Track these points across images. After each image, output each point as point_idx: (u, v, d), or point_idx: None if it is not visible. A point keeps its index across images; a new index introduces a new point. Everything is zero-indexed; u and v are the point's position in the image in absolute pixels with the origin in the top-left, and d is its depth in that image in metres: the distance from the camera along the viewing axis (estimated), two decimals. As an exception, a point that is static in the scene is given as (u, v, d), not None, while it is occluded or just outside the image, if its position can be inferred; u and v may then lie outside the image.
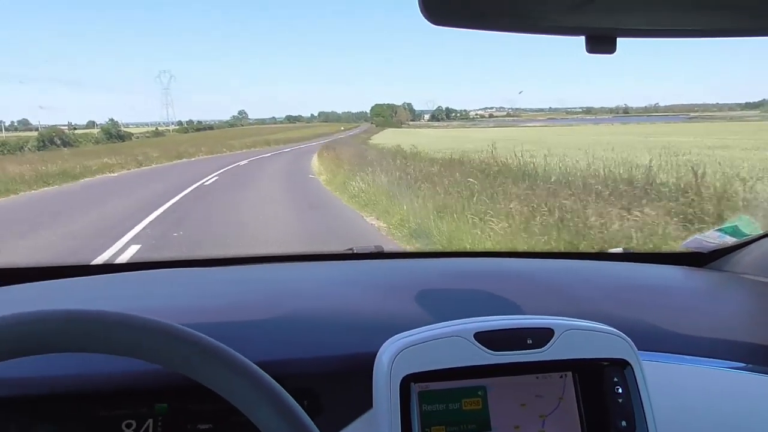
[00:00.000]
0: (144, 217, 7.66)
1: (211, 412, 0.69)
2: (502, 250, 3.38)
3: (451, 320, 0.70)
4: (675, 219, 5.53)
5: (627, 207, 5.86)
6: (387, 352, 0.66)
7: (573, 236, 5.16)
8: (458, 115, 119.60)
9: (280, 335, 0.78)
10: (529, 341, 0.67)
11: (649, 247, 4.69)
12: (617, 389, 0.68)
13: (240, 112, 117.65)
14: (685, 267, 1.20)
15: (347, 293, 0.97)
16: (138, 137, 47.33)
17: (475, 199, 7.06)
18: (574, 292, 1.01)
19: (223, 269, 1.15)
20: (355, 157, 15.06)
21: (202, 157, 25.22)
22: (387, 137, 33.42)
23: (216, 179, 13.61)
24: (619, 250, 1.41)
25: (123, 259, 4.85)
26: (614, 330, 0.70)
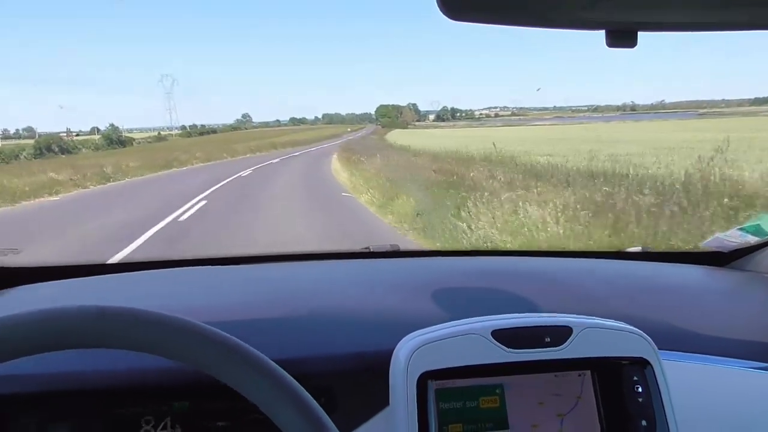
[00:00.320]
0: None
1: (229, 409, 0.69)
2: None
3: (468, 318, 0.69)
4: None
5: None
6: (404, 349, 0.66)
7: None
8: (463, 115, 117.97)
9: (298, 333, 0.78)
10: (547, 339, 0.67)
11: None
12: (637, 388, 0.68)
13: (244, 116, 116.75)
14: (705, 266, 1.19)
15: (364, 291, 0.97)
16: (140, 142, 45.94)
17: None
18: (593, 291, 1.01)
19: (240, 268, 1.15)
20: (392, 165, 12.17)
21: (197, 165, 21.52)
22: (404, 138, 31.14)
23: (201, 206, 8.99)
24: (638, 249, 1.37)
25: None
26: (634, 329, 0.70)
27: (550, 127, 47.33)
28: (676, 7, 0.49)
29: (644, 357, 0.69)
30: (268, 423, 0.47)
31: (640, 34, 0.51)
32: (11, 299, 0.92)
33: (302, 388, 0.48)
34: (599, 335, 0.69)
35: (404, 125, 78.63)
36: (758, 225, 1.26)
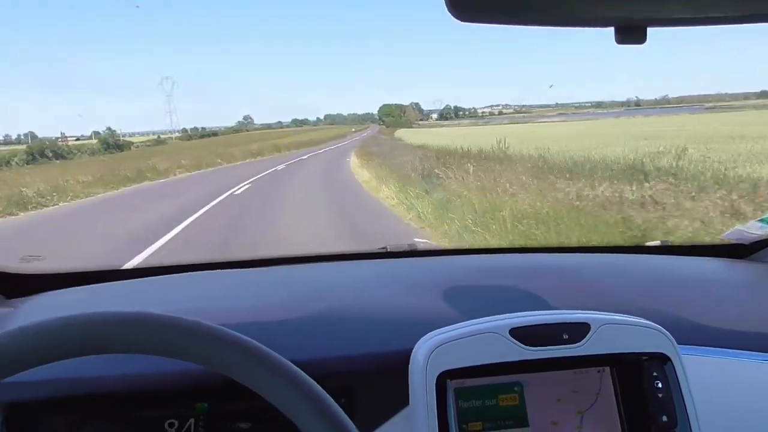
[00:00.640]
0: None
1: (250, 410, 0.70)
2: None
3: (486, 317, 0.70)
4: None
5: None
6: (422, 348, 0.67)
7: None
8: (467, 113, 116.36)
9: (316, 335, 0.78)
10: (565, 336, 0.67)
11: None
12: (657, 384, 0.68)
13: (245, 117, 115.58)
14: (725, 259, 1.17)
15: (382, 291, 0.97)
16: (138, 146, 44.24)
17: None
18: (611, 286, 0.99)
19: (257, 270, 1.14)
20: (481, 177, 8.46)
21: (180, 176, 17.06)
22: (415, 137, 28.29)
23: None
24: (656, 242, 1.34)
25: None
26: (653, 324, 0.70)
27: (575, 123, 45.48)
28: (685, 0, 0.50)
29: (664, 352, 0.68)
30: (290, 424, 0.47)
31: (648, 30, 0.51)
32: (37, 305, 0.93)
33: (322, 389, 0.48)
34: (618, 331, 0.69)
35: (408, 124, 78.14)
36: (779, 217, 1.22)
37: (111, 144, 41.69)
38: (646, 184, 6.84)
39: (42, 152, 32.21)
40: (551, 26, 0.51)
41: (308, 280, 1.05)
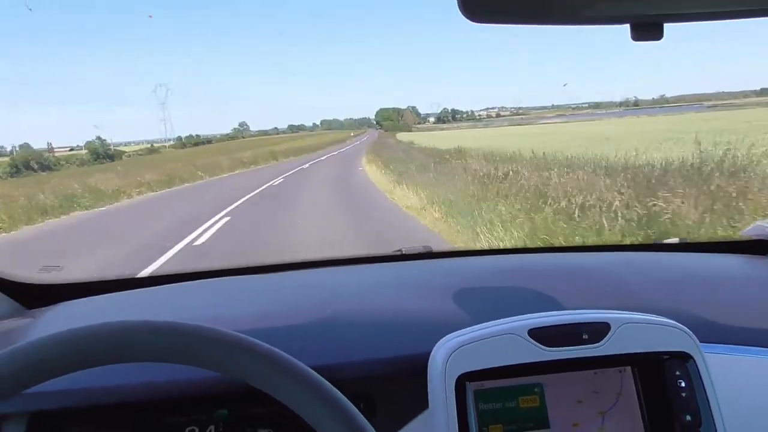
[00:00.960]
0: None
1: (269, 416, 0.70)
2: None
3: (504, 318, 0.70)
4: None
5: None
6: (441, 351, 0.66)
7: None
8: (464, 116, 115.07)
9: (333, 339, 0.78)
10: (585, 336, 0.66)
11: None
12: (680, 383, 0.67)
13: (241, 124, 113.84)
14: (746, 255, 1.15)
15: (398, 295, 0.96)
16: (129, 155, 42.18)
17: None
18: (630, 285, 0.98)
19: (273, 276, 1.15)
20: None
21: (135, 199, 12.85)
22: (432, 140, 25.79)
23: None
24: (674, 240, 1.35)
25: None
26: (674, 322, 0.69)
27: (588, 123, 43.61)
28: None
29: (686, 351, 0.68)
30: (310, 430, 0.48)
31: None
32: (57, 315, 0.93)
33: (341, 394, 0.49)
34: (638, 330, 0.68)
35: (407, 128, 77.25)
36: (801, 211, 1.06)
37: (101, 154, 39.88)
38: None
39: (27, 164, 30.49)
40: (566, 25, 0.51)
41: (323, 285, 1.04)
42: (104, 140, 45.30)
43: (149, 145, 61.50)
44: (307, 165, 19.43)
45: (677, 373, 0.67)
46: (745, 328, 0.82)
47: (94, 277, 1.06)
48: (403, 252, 1.21)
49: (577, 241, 4.95)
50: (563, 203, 6.21)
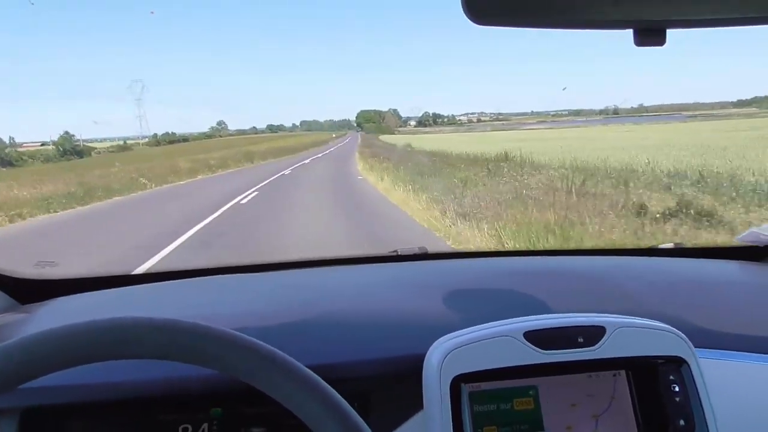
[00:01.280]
0: None
1: (264, 415, 0.70)
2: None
3: (499, 320, 0.70)
4: None
5: None
6: (436, 353, 0.67)
7: None
8: (446, 120, 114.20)
9: (329, 339, 0.79)
10: (580, 339, 0.67)
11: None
12: (674, 388, 0.68)
13: (219, 123, 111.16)
14: (741, 261, 1.16)
15: (393, 295, 0.97)
16: (100, 152, 39.84)
17: None
18: (626, 289, 0.98)
19: (269, 275, 1.15)
20: None
21: (19, 222, 8.85)
22: (434, 144, 24.96)
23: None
24: (670, 245, 1.34)
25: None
26: (668, 327, 0.70)
27: (586, 129, 42.76)
28: (705, 2, 0.50)
29: (680, 355, 0.69)
30: (304, 428, 0.48)
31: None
32: (52, 311, 0.93)
33: (337, 393, 0.49)
34: (633, 334, 0.69)
35: (390, 131, 76.26)
36: (796, 218, 1.07)
37: (68, 150, 37.51)
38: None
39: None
40: (569, 29, 0.51)
41: (319, 285, 1.04)
42: (72, 135, 42.83)
43: (122, 142, 58.83)
44: (288, 171, 16.32)
45: (671, 377, 0.67)
46: (739, 334, 0.82)
47: (88, 274, 1.07)
48: (399, 253, 1.21)
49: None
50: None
